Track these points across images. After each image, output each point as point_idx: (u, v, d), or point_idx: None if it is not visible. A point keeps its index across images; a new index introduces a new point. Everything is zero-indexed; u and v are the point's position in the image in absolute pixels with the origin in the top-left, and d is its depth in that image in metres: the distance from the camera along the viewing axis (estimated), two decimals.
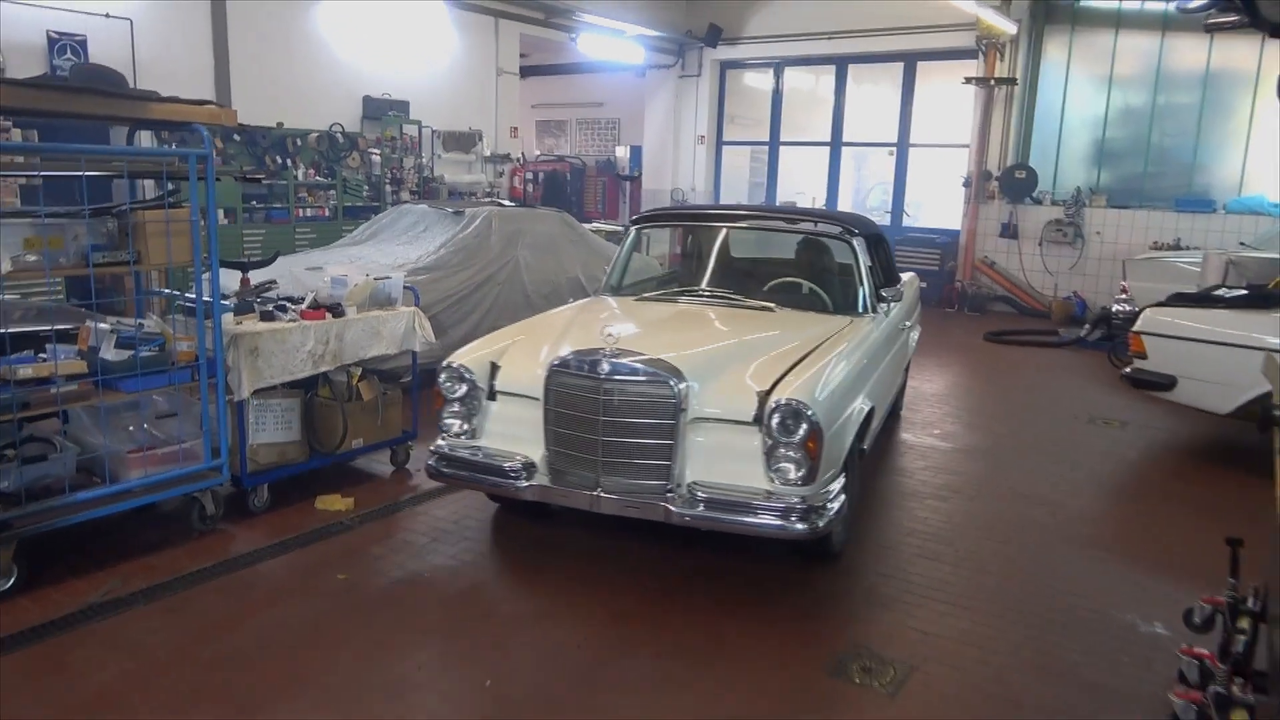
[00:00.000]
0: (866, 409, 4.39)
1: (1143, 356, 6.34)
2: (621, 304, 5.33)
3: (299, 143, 10.00)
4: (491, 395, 4.30)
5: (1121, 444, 6.66)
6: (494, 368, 4.32)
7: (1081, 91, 12.82)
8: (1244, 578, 3.28)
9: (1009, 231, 13.08)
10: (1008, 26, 12.30)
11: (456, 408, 4.31)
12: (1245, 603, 3.34)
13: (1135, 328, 6.38)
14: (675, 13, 14.97)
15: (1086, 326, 10.64)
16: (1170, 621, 3.88)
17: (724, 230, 5.87)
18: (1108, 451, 6.46)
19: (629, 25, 13.69)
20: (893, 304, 5.50)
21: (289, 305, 5.08)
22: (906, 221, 14.48)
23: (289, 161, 9.88)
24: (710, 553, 4.48)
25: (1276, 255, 8.10)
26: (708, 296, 5.24)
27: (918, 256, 13.18)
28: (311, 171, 10.12)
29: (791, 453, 3.75)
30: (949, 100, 13.70)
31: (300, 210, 9.98)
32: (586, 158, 17.88)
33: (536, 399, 4.09)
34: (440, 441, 4.37)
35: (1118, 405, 7.76)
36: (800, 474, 3.75)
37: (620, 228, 11.60)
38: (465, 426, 4.32)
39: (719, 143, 16.09)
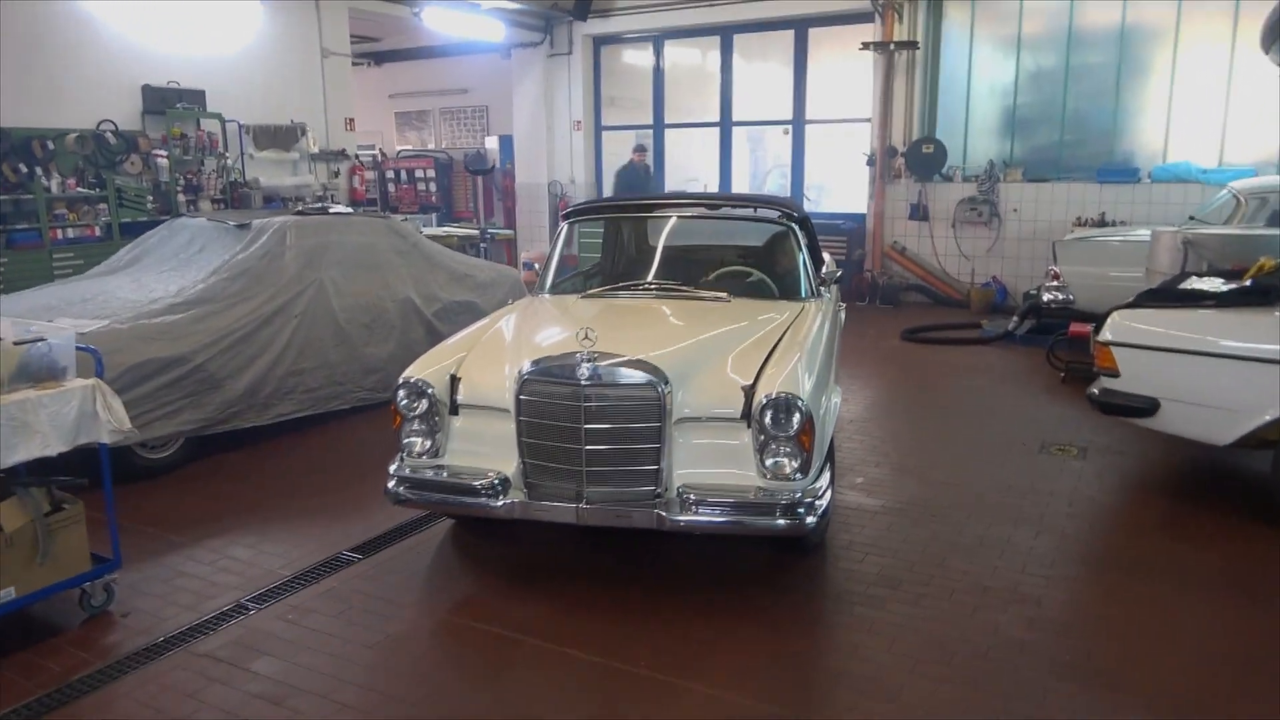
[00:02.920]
0: (838, 396, 4.43)
1: (1113, 373, 4.94)
2: (567, 303, 4.98)
3: (51, 146, 7.93)
4: (454, 410, 4.01)
5: (1087, 483, 5.26)
6: (454, 381, 4.01)
7: (988, 55, 11.60)
8: None
9: (919, 213, 11.80)
10: None
11: (417, 425, 4.01)
12: None
13: (1101, 337, 4.96)
14: None
15: (1015, 319, 9.36)
16: None
17: (658, 220, 5.59)
18: (1074, 496, 5.04)
19: None
20: (832, 286, 5.38)
21: None
22: (807, 206, 13.03)
23: (37, 170, 7.80)
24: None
25: (1238, 230, 6.87)
26: (656, 289, 4.99)
27: (822, 244, 11.77)
28: (72, 182, 8.06)
29: (786, 447, 3.64)
30: (847, 70, 12.34)
31: (58, 231, 7.93)
32: (454, 151, 16.00)
33: (506, 410, 3.84)
34: (399, 463, 4.05)
35: (1069, 422, 6.40)
36: (796, 467, 3.64)
37: (476, 231, 9.89)
38: (428, 444, 4.01)
39: (598, 128, 14.41)
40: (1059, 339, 8.17)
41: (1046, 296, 8.66)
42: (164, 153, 8.68)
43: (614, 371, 3.67)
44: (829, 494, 3.85)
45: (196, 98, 9.05)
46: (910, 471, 5.51)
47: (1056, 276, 8.61)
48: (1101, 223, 10.54)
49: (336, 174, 10.69)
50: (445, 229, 9.95)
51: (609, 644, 3.56)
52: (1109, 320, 4.96)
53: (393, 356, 6.92)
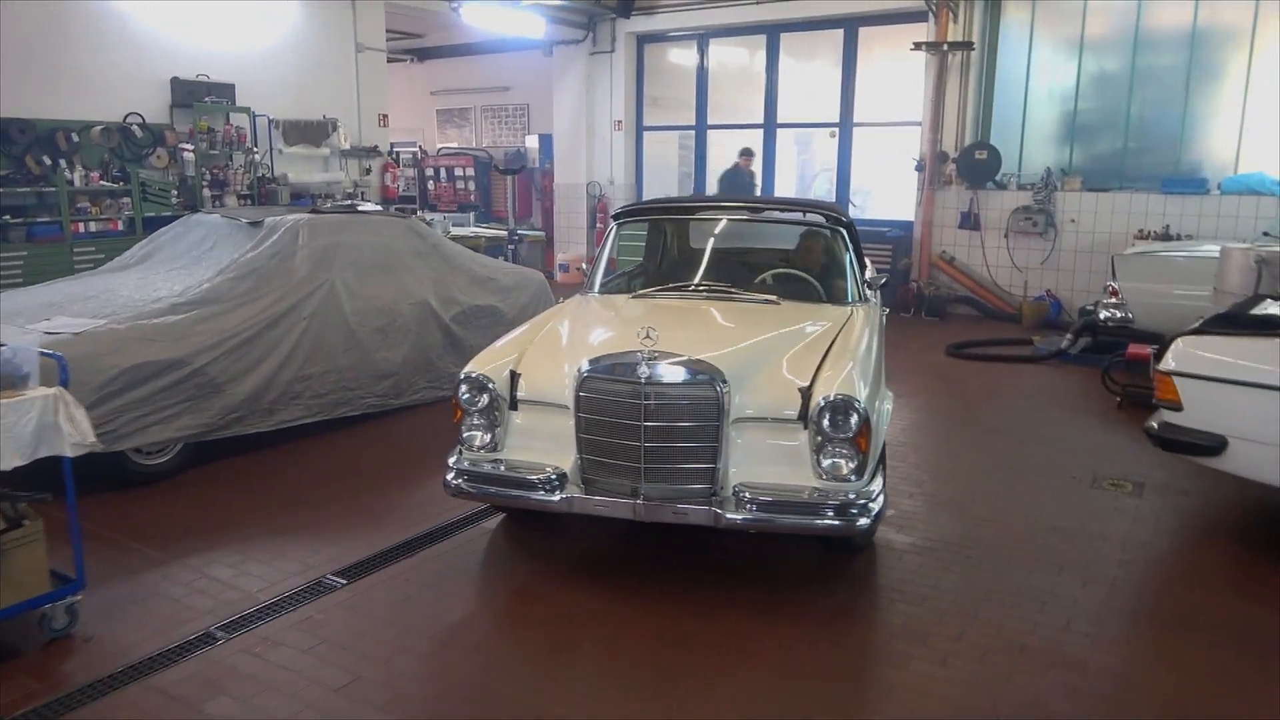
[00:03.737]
0: (890, 400, 4.47)
1: (1175, 406, 4.47)
2: (618, 303, 5.01)
3: (76, 138, 7.83)
4: (513, 405, 4.08)
5: (1143, 524, 4.79)
6: (514, 376, 4.08)
7: (1048, 57, 11.04)
8: None
9: (970, 222, 11.27)
10: None
11: (478, 420, 4.08)
12: None
13: (1163, 366, 4.50)
14: None
15: (1069, 337, 8.83)
16: None
17: (703, 222, 5.69)
18: (1126, 541, 4.58)
19: None
20: (878, 290, 5.39)
21: None
22: (853, 212, 12.55)
23: (61, 162, 7.70)
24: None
25: None
26: (705, 291, 5.00)
27: (866, 251, 11.26)
28: (95, 175, 7.94)
29: (844, 448, 3.70)
30: (897, 72, 11.89)
31: (80, 224, 7.82)
32: (494, 150, 15.79)
33: (565, 407, 3.91)
34: (458, 455, 4.13)
35: (1125, 453, 5.91)
36: (852, 468, 3.70)
37: (504, 232, 9.61)
38: (488, 438, 4.08)
39: (639, 128, 14.08)
40: (1116, 360, 7.65)
41: (1103, 314, 8.12)
42: (190, 147, 8.54)
43: (674, 371, 3.73)
44: (883, 497, 3.86)
45: (226, 91, 8.92)
46: (946, 504, 5.08)
47: (1115, 293, 8.07)
48: (1165, 236, 9.95)
49: (368, 171, 10.51)
50: (474, 229, 9.67)
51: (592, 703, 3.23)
52: (1172, 348, 4.50)
53: (406, 362, 6.68)
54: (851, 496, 3.68)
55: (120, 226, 8.09)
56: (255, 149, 9.10)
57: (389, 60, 16.37)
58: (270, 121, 9.33)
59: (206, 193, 8.61)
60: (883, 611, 3.85)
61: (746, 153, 12.28)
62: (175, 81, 8.62)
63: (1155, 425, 4.59)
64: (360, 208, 8.69)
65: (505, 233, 9.43)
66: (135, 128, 8.26)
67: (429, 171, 15.65)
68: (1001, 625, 3.72)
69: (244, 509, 5.00)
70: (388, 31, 14.56)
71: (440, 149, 16.28)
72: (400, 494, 5.22)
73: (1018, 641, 3.60)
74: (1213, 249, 7.98)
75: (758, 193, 12.39)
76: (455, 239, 8.44)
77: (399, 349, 6.63)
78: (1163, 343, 6.13)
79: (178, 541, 4.53)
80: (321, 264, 6.25)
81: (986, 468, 5.74)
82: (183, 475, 5.43)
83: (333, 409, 6.23)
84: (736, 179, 12.18)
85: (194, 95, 8.65)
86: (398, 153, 16.53)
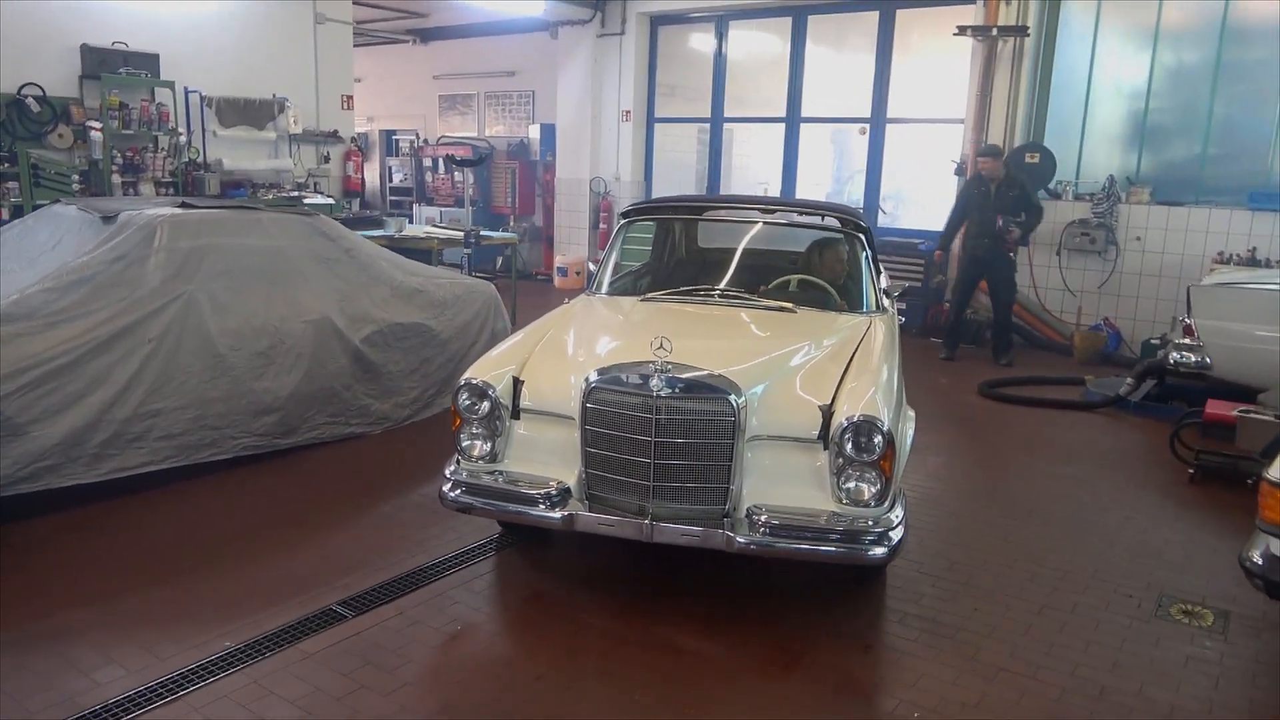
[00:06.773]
0: (912, 420, 4.31)
1: None
2: (626, 306, 4.79)
3: None
4: (515, 414, 3.88)
5: (1231, 689, 3.34)
6: (517, 383, 3.87)
7: (1116, 47, 9.50)
8: None
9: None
10: None
11: (477, 428, 3.88)
12: None
13: (1275, 474, 3.05)
14: None
15: (1129, 380, 7.30)
16: None
17: (719, 224, 5.62)
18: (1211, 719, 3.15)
19: None
20: (895, 299, 5.28)
21: None
22: (883, 220, 11.11)
23: None
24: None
25: None
26: (718, 296, 4.85)
27: (895, 267, 9.79)
28: None
29: (867, 472, 3.52)
30: (938, 61, 10.41)
31: None
32: (498, 139, 14.54)
33: (570, 418, 3.73)
34: (455, 466, 3.92)
35: (1199, 556, 4.45)
36: (874, 493, 3.52)
37: (460, 234, 8.31)
38: (487, 448, 3.88)
39: (650, 119, 12.73)
40: (1188, 420, 6.14)
41: (1174, 356, 6.63)
42: (98, 124, 7.38)
43: (689, 384, 3.52)
44: (903, 527, 3.58)
45: (147, 62, 7.75)
46: (951, 638, 3.67)
47: (1190, 332, 6.56)
48: (1251, 261, 8.37)
49: (327, 159, 9.29)
50: (427, 230, 8.46)
51: None
52: None
53: (298, 393, 5.46)
54: (871, 524, 3.47)
55: (7, 216, 6.96)
56: (179, 129, 7.91)
57: (390, 41, 15.33)
58: (203, 99, 8.15)
59: (117, 179, 7.45)
60: None
61: (991, 152, 8.66)
62: (85, 49, 7.47)
63: (1258, 559, 3.15)
64: (305, 201, 7.51)
65: (460, 234, 8.15)
66: (31, 100, 7.12)
67: (427, 162, 14.47)
68: None
69: (12, 605, 3.77)
70: (388, 9, 13.50)
71: (440, 138, 15.08)
72: (249, 572, 3.97)
73: None
74: None
75: (1033, 203, 8.72)
76: (394, 242, 7.19)
77: (288, 377, 5.40)
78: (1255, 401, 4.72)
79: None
80: (181, 273, 5.03)
81: (1012, 576, 4.30)
82: None
83: (191, 452, 5.01)
84: (980, 192, 8.66)
85: (107, 65, 7.50)
86: (396, 140, 15.47)
